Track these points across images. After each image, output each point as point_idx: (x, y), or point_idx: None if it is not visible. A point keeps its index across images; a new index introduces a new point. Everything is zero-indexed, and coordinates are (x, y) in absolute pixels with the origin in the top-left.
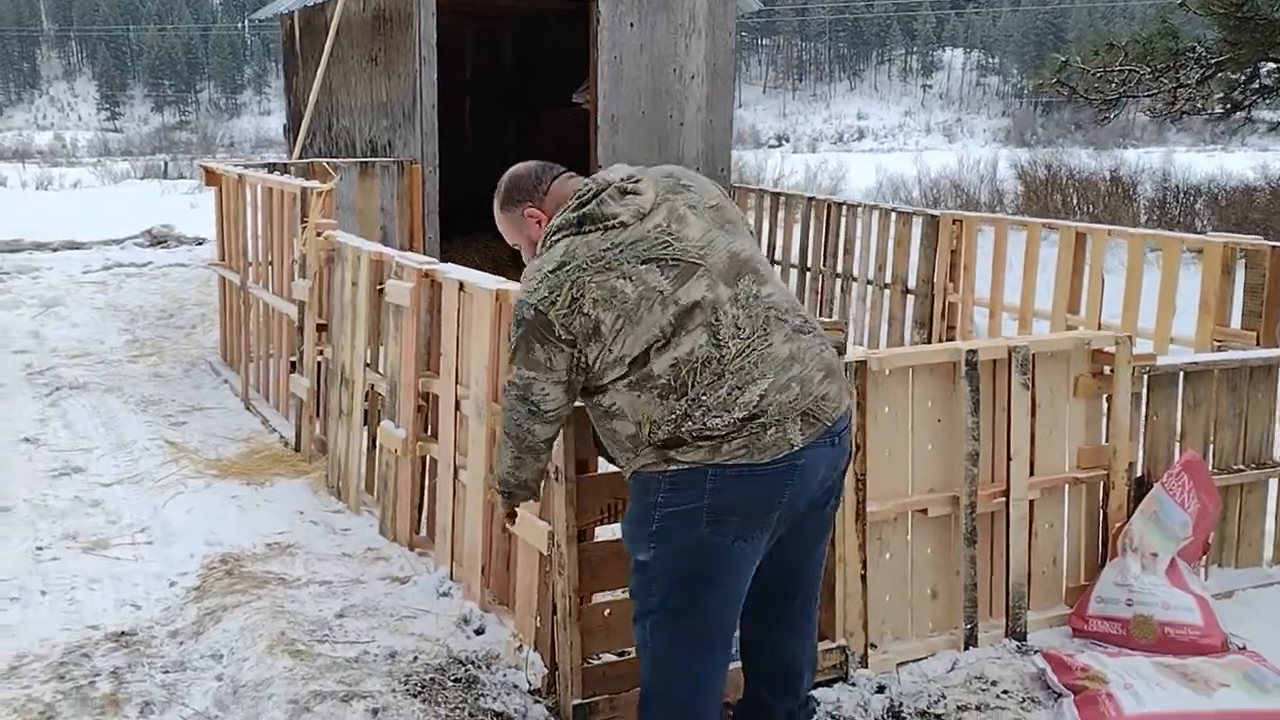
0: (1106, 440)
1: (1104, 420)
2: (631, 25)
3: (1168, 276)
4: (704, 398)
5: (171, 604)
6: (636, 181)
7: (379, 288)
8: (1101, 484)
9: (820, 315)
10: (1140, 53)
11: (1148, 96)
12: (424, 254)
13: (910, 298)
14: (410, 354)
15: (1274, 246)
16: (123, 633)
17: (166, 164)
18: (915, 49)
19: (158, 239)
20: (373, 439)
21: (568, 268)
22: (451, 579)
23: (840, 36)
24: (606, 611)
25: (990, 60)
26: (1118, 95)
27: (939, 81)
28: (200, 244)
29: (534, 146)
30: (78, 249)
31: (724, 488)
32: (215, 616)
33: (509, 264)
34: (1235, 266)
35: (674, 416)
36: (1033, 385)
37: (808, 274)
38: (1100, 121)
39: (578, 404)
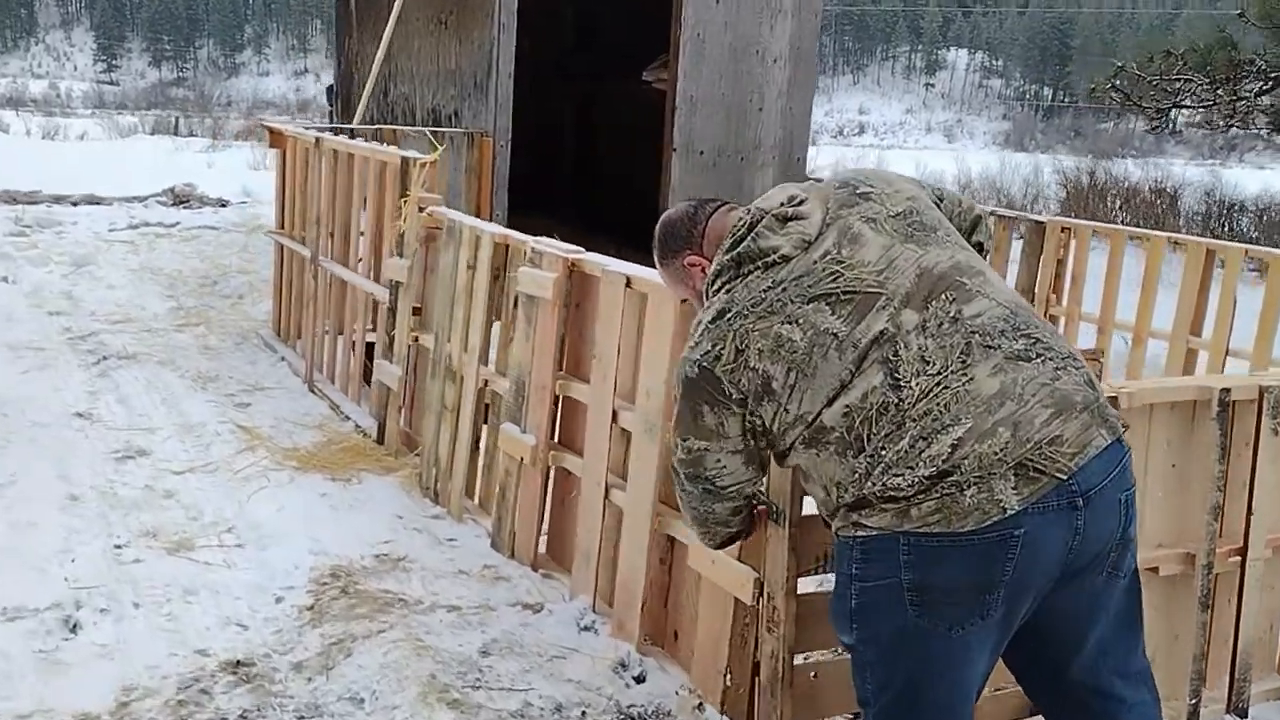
0: None
1: None
2: (716, 2)
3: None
4: (883, 452)
5: (283, 626)
6: (800, 203)
7: (495, 275)
8: None
9: None
10: (1199, 62)
11: (1204, 107)
12: None
13: None
14: (546, 353)
15: None
16: (238, 662)
17: (177, 120)
18: (920, 47)
19: (180, 198)
20: (476, 440)
21: (728, 316)
22: (594, 611)
23: (846, 30)
24: (813, 674)
25: (994, 63)
26: (1171, 104)
27: (942, 81)
28: (224, 205)
29: (596, 123)
30: (98, 204)
31: (923, 560)
32: (344, 648)
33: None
34: None
35: (855, 476)
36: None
37: None
38: (1153, 130)
39: None
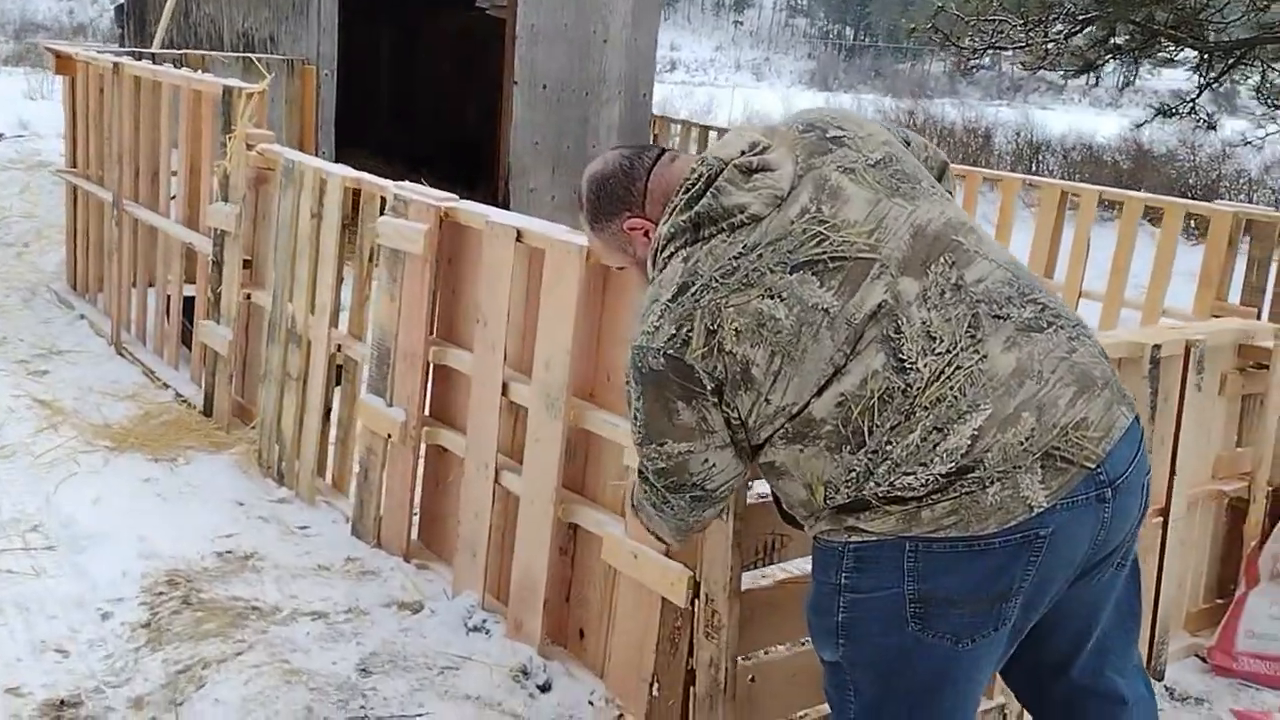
0: (1240, 446)
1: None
2: None
3: (1166, 245)
4: (889, 448)
5: (115, 650)
6: (763, 151)
7: (345, 224)
8: (1240, 497)
9: None
10: (1014, 4)
11: (1018, 48)
12: None
13: None
14: (416, 316)
15: None
16: (62, 701)
17: None
18: None
19: None
20: (327, 412)
21: (693, 291)
22: (483, 608)
23: None
24: (751, 679)
25: (799, 2)
26: (987, 45)
27: (750, 19)
28: None
29: (419, 54)
30: None
31: (932, 569)
32: (194, 677)
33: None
34: (1239, 239)
35: (852, 475)
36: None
37: None
38: (967, 71)
39: None
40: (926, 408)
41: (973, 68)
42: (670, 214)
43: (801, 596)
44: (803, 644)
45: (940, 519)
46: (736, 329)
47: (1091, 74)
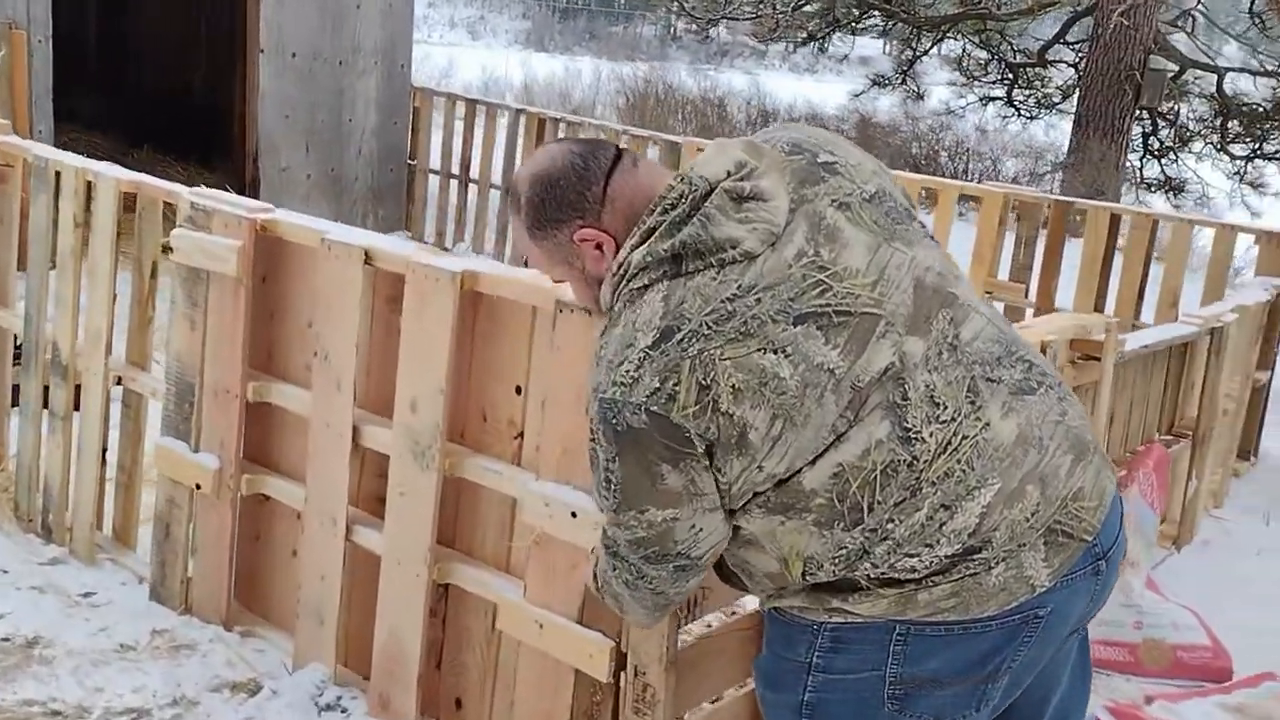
0: None
1: None
2: None
3: (941, 223)
4: (890, 526)
5: None
6: (751, 174)
7: (150, 239)
8: None
9: None
10: None
11: (749, 19)
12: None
13: None
14: (230, 346)
15: (1056, 201)
16: None
17: None
18: None
19: None
20: (103, 453)
21: (679, 339)
22: (335, 683)
23: None
24: None
25: None
26: (721, 15)
27: None
28: None
29: (137, 18)
30: None
31: (921, 652)
32: None
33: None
34: (1008, 218)
35: (842, 553)
36: None
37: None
38: (702, 40)
39: None
40: (934, 483)
41: (706, 36)
42: (644, 238)
43: (725, 650)
44: (717, 700)
45: (938, 601)
46: (734, 386)
47: (815, 44)
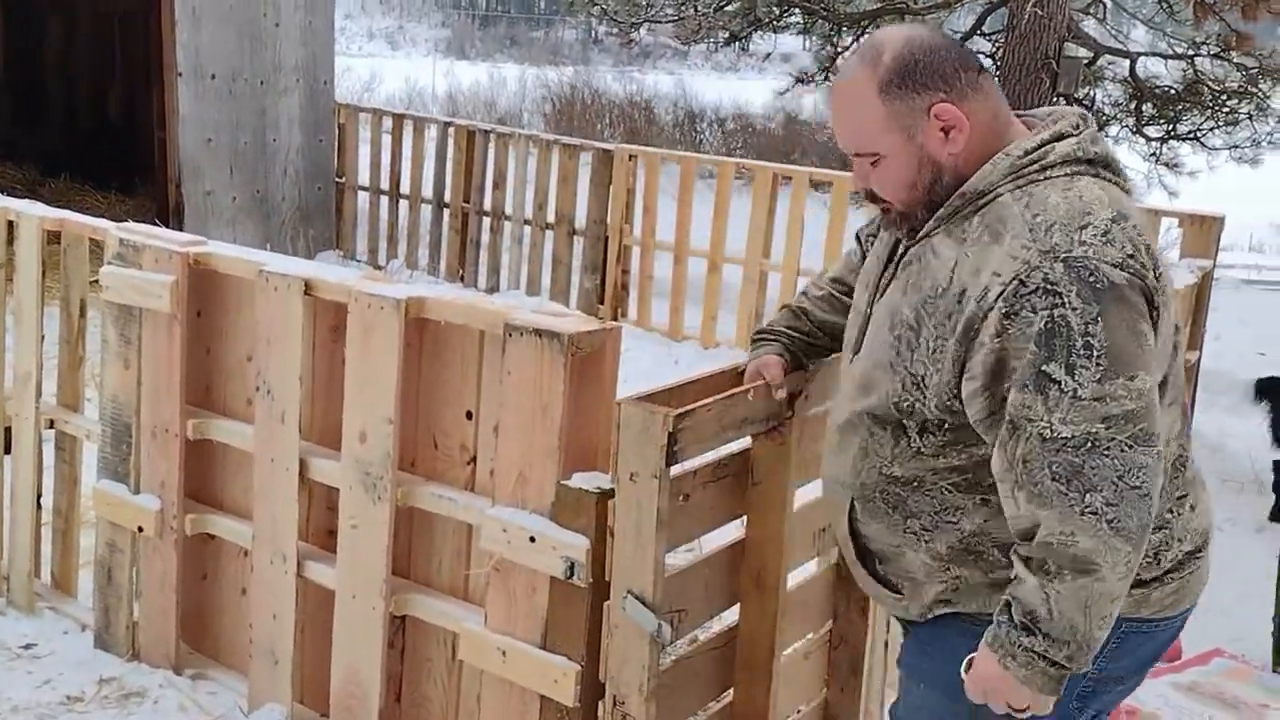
0: None
1: None
2: None
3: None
4: (1169, 518)
5: None
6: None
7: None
8: None
9: (465, 256)
10: None
11: (671, 21)
12: None
13: (578, 240)
14: (167, 383)
15: None
16: None
17: None
18: None
19: None
20: (38, 498)
21: (1131, 223)
22: None
23: None
24: None
25: None
26: (645, 19)
27: None
28: None
29: (44, 44)
30: None
31: (1124, 650)
32: None
33: (22, 193)
34: None
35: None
36: None
37: (445, 210)
38: (626, 44)
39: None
40: (1190, 481)
41: (630, 41)
42: (1058, 137)
43: (700, 673)
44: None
45: (1164, 599)
46: (1166, 287)
47: (738, 44)
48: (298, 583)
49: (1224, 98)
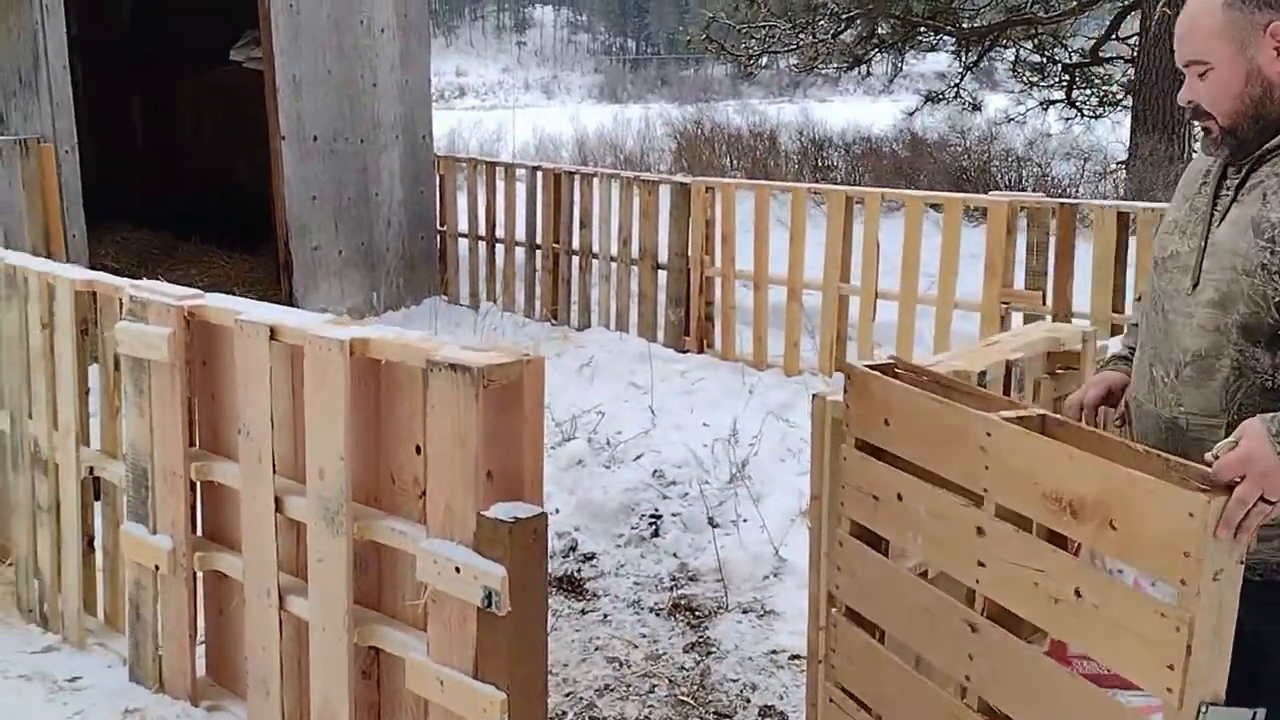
0: None
1: None
2: None
3: (949, 238)
4: None
5: None
6: None
7: (84, 329)
8: None
9: (558, 294)
10: (780, 7)
11: (790, 51)
12: (68, 257)
13: (662, 273)
14: (171, 430)
15: (1062, 204)
16: None
17: None
18: (507, 6)
19: None
20: (90, 540)
21: None
22: None
23: None
24: None
25: (579, 18)
26: (762, 50)
27: (532, 39)
28: None
29: (180, 115)
30: None
31: None
32: None
33: (159, 256)
34: (1017, 225)
35: None
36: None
37: (538, 252)
38: (746, 76)
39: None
40: None
41: (750, 72)
42: None
43: None
44: None
45: None
46: None
47: (861, 67)
48: (281, 616)
49: None
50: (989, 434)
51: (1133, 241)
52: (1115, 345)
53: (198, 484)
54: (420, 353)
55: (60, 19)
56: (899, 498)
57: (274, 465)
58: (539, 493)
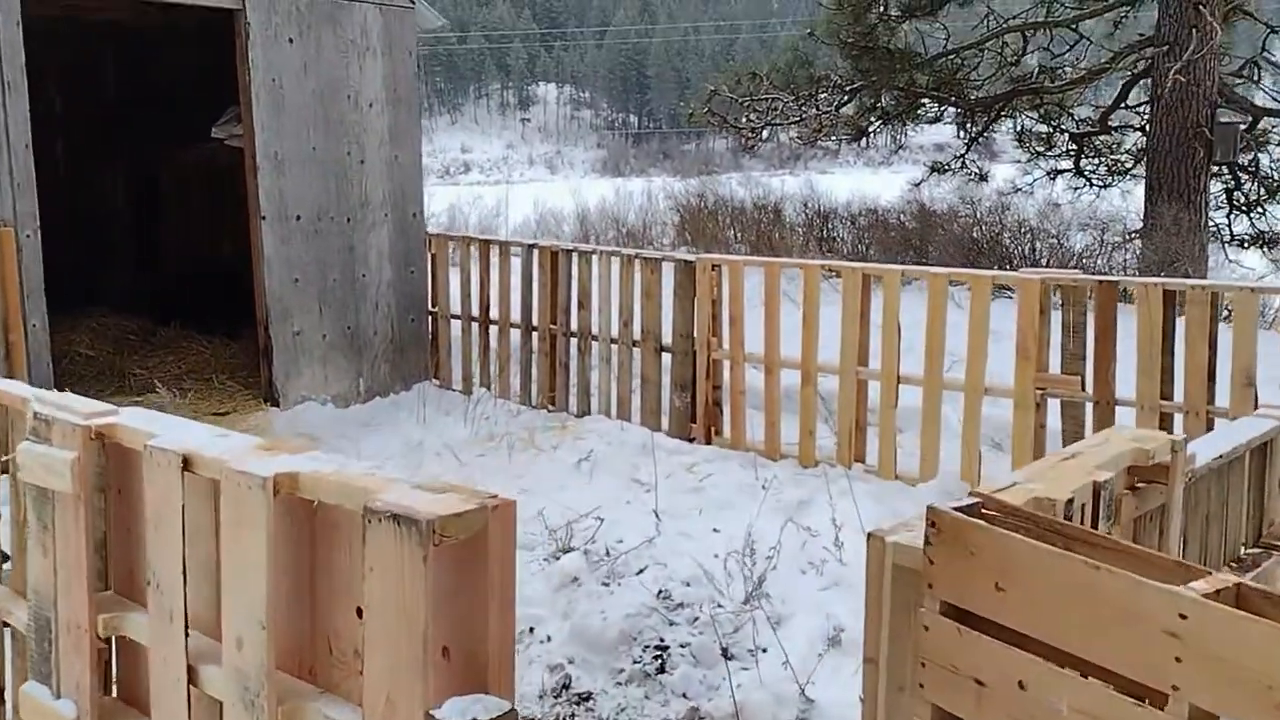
0: None
1: None
2: (291, 41)
3: (977, 318)
4: None
5: None
6: None
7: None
8: None
9: (555, 379)
10: (783, 80)
11: (793, 123)
12: (28, 349)
13: (666, 356)
14: (76, 573)
15: (1100, 281)
16: None
17: None
18: (510, 83)
19: None
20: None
21: None
22: None
23: (436, 70)
24: None
25: (581, 94)
26: (764, 123)
27: (536, 115)
28: None
29: (163, 195)
30: None
31: None
32: None
33: (135, 342)
34: (1050, 305)
35: None
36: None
37: (534, 334)
38: (748, 149)
39: None
40: None
41: (752, 145)
42: None
43: None
44: None
45: None
46: None
47: (864, 139)
48: None
49: None
50: (1183, 615)
51: (1179, 321)
52: None
53: (102, 638)
54: (359, 493)
55: (23, 95)
56: (1020, 686)
57: (186, 625)
58: (508, 677)
